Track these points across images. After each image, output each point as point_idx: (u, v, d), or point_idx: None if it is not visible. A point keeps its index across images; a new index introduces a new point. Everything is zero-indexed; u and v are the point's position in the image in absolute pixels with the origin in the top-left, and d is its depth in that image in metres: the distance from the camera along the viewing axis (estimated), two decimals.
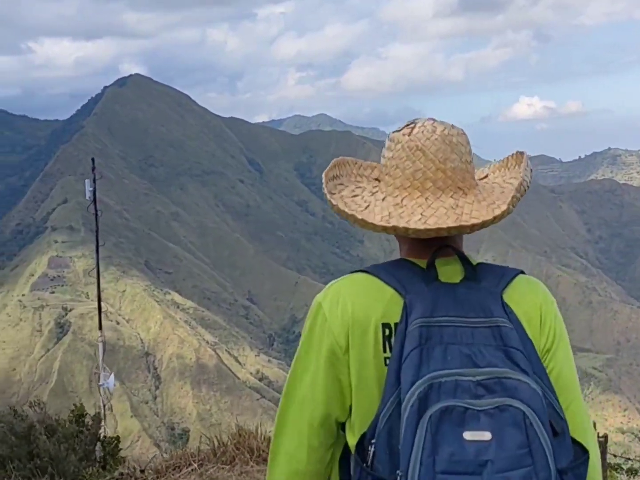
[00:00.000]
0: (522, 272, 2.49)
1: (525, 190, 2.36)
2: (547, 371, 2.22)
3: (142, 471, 8.13)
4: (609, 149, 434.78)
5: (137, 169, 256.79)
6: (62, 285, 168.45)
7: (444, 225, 2.22)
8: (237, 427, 8.72)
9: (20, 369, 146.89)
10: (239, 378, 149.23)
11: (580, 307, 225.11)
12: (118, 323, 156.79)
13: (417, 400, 2.03)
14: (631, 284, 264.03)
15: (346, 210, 2.29)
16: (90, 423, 10.46)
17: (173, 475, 7.78)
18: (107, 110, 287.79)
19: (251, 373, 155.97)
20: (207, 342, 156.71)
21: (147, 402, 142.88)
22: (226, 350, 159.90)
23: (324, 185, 2.38)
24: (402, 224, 2.22)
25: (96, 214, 12.40)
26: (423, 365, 2.10)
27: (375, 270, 2.36)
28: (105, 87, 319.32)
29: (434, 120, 2.40)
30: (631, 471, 9.92)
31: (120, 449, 10.54)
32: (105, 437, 10.38)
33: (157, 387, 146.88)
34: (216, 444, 8.12)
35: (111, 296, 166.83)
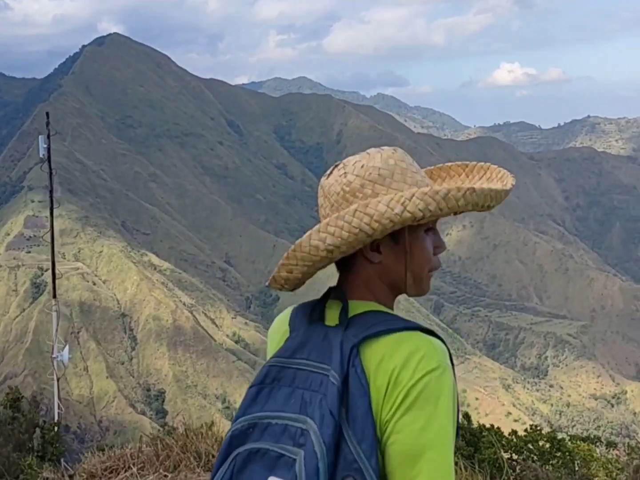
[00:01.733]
0: (414, 329, 2.23)
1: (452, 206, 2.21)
2: (386, 441, 2.10)
3: (70, 477, 7.39)
4: (589, 116, 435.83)
5: (115, 129, 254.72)
6: (38, 245, 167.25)
7: (290, 250, 2.27)
8: (184, 427, 7.60)
9: None
10: (215, 340, 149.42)
11: (557, 274, 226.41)
12: (94, 284, 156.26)
13: (229, 437, 2.16)
14: (607, 251, 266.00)
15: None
16: (27, 408, 9.41)
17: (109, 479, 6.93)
18: (86, 69, 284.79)
19: (228, 335, 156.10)
20: (184, 304, 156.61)
21: (123, 363, 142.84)
22: (203, 312, 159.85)
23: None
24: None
25: (50, 173, 11.45)
26: (256, 404, 2.20)
27: (298, 305, 2.42)
28: (84, 46, 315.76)
29: (337, 164, 2.47)
30: (611, 444, 9.86)
31: (62, 436, 9.49)
32: (45, 422, 9.38)
33: (133, 349, 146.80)
34: (160, 446, 7.11)
35: (88, 257, 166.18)
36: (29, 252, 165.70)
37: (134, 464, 6.87)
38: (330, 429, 2.08)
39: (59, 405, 9.95)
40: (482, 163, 2.66)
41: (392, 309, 2.39)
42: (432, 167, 2.75)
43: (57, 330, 10.82)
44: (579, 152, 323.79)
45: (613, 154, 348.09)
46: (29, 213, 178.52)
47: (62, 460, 8.75)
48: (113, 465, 7.01)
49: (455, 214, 2.28)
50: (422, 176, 2.38)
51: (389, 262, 2.34)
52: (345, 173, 2.36)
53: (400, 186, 2.28)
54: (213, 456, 6.65)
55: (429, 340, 2.22)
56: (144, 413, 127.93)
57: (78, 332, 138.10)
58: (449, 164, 2.74)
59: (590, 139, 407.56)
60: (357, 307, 2.32)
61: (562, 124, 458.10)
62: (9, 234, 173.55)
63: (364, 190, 2.29)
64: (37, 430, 8.91)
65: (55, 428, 9.17)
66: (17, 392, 9.53)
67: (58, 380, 10.32)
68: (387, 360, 2.17)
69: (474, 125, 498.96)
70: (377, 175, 2.31)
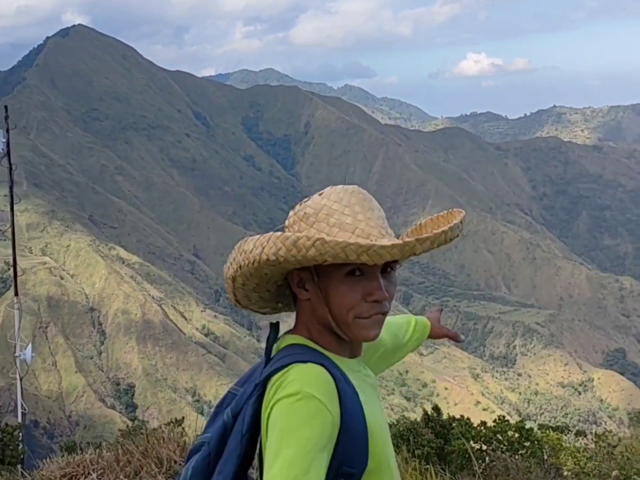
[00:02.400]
0: (305, 362, 2.25)
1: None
2: None
3: None
4: (554, 106, 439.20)
5: (81, 122, 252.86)
6: (4, 240, 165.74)
7: None
8: (145, 432, 7.33)
9: None
10: (184, 333, 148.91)
11: (524, 263, 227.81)
12: (62, 278, 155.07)
13: (189, 451, 2.51)
14: (574, 240, 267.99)
15: None
16: None
17: None
18: (50, 61, 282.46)
19: (197, 328, 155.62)
20: (153, 298, 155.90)
21: (92, 358, 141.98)
22: (172, 305, 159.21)
23: None
24: None
25: (10, 168, 11.16)
26: (209, 425, 2.45)
27: None
28: (48, 38, 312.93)
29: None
30: (580, 433, 9.94)
31: (21, 439, 9.14)
32: (7, 424, 9.01)
33: (102, 343, 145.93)
34: (120, 451, 6.87)
35: (55, 251, 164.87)
36: None
37: (93, 470, 6.70)
38: (201, 457, 2.33)
39: (22, 405, 9.66)
40: (453, 212, 2.50)
41: (330, 346, 2.37)
42: (429, 219, 2.66)
43: (19, 328, 10.50)
44: (545, 142, 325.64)
45: (579, 143, 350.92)
46: None
47: (18, 466, 8.48)
48: (72, 472, 6.81)
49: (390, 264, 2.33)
50: (355, 220, 2.27)
51: (314, 301, 2.33)
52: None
53: (321, 227, 2.26)
54: (175, 462, 6.55)
55: (305, 370, 2.20)
56: (113, 407, 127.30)
57: (46, 327, 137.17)
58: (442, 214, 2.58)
59: (557, 128, 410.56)
60: (286, 341, 2.41)
61: (528, 114, 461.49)
62: None
63: (293, 226, 2.35)
64: None
65: (13, 431, 8.79)
66: None
67: (21, 379, 10.03)
68: (267, 397, 2.23)
69: (441, 116, 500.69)
70: (302, 214, 2.32)
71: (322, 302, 2.30)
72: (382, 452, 2.30)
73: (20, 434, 8.95)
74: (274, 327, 2.41)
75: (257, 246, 2.25)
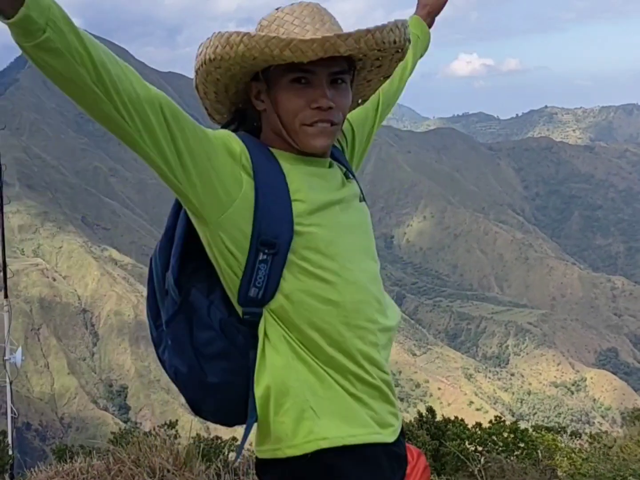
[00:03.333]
0: None
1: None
2: None
3: None
4: (546, 107, 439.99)
5: (74, 123, 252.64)
6: None
7: None
8: (137, 439, 7.23)
9: None
10: None
11: (517, 263, 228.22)
12: (54, 280, 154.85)
13: None
14: (566, 240, 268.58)
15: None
16: None
17: None
18: None
19: None
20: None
21: (84, 359, 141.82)
22: None
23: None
24: None
25: (0, 168, 10.94)
26: None
27: None
28: None
29: None
30: (574, 434, 9.93)
31: (8, 445, 8.98)
32: None
33: (94, 344, 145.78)
34: (111, 459, 6.44)
35: (47, 252, 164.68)
36: None
37: (84, 479, 6.38)
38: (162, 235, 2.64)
39: (12, 409, 9.46)
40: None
41: (274, 143, 2.43)
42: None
43: (9, 331, 10.29)
44: (537, 142, 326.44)
45: (571, 143, 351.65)
46: None
47: (6, 475, 8.33)
48: None
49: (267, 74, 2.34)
50: (302, 30, 2.29)
51: (268, 111, 2.41)
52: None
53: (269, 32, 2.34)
54: (168, 471, 6.19)
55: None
56: (106, 409, 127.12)
57: (38, 329, 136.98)
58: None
59: (548, 129, 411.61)
60: None
61: (520, 114, 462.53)
62: None
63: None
64: None
65: (3, 437, 8.57)
66: None
67: (11, 383, 9.83)
68: None
69: (433, 117, 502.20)
70: (259, 26, 2.41)
71: (274, 110, 2.37)
72: (329, 245, 2.29)
73: (10, 440, 8.79)
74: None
75: (202, 48, 2.32)
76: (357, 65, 2.44)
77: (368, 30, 2.22)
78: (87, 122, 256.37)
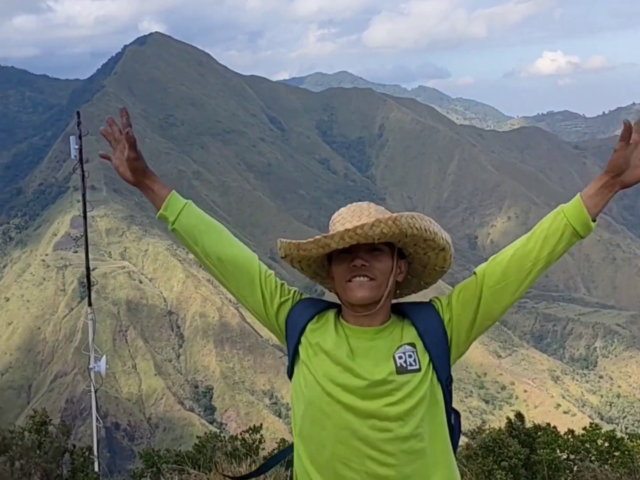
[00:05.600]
0: None
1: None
2: None
3: None
4: (634, 104, 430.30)
5: (158, 128, 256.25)
6: (82, 246, 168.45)
7: None
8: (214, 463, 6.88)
9: (45, 328, 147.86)
10: (261, 336, 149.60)
11: (604, 263, 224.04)
12: (141, 282, 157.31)
13: None
14: None
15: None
16: (54, 432, 8.58)
17: None
18: (128, 69, 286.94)
19: None
20: (230, 301, 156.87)
21: (170, 361, 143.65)
22: None
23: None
24: None
25: (82, 175, 10.89)
26: None
27: None
28: (126, 46, 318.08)
29: None
30: None
31: (93, 462, 8.87)
32: (74, 446, 8.59)
33: (180, 346, 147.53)
34: None
35: (134, 255, 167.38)
36: (76, 251, 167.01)
37: None
38: None
39: (98, 419, 9.30)
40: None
41: (343, 310, 3.39)
42: None
43: (93, 339, 10.17)
44: None
45: None
46: (75, 213, 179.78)
47: None
48: None
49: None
50: (339, 224, 3.32)
51: (334, 282, 3.39)
52: None
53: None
54: None
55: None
56: (192, 410, 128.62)
57: (126, 331, 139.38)
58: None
59: None
60: None
61: (606, 112, 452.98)
62: (55, 234, 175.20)
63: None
64: (67, 455, 8.24)
65: (85, 453, 8.48)
66: (43, 415, 8.76)
67: (95, 392, 9.68)
68: None
69: (517, 116, 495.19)
70: (329, 223, 3.46)
71: (333, 280, 3.37)
72: (310, 393, 3.27)
73: (95, 450, 8.61)
74: None
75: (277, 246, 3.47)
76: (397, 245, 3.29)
77: (347, 230, 3.15)
78: (171, 127, 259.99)
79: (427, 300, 3.43)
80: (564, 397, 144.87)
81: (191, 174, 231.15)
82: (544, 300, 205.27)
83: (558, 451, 8.30)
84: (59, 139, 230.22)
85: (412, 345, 3.22)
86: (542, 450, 7.96)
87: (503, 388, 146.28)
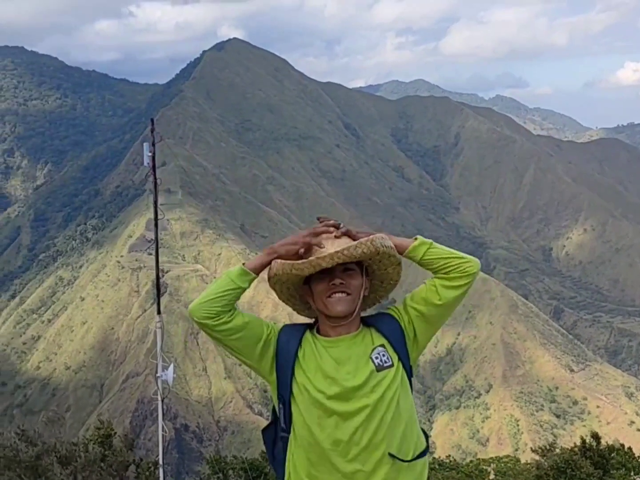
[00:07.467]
0: None
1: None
2: None
3: None
4: None
5: (235, 132, 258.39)
6: (160, 247, 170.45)
7: None
8: None
9: (119, 329, 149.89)
10: None
11: None
12: None
13: None
14: None
15: None
16: (119, 446, 8.55)
17: None
18: (206, 74, 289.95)
19: None
20: None
21: (240, 364, 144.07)
22: None
23: None
24: None
25: (155, 183, 10.71)
26: None
27: None
28: (204, 52, 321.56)
29: None
30: None
31: (158, 477, 8.54)
32: (141, 460, 8.42)
33: None
34: None
35: (207, 259, 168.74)
36: (150, 254, 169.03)
37: None
38: None
39: (163, 427, 9.09)
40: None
41: (321, 326, 4.03)
42: None
43: (161, 347, 9.99)
44: None
45: None
46: (150, 216, 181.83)
47: None
48: None
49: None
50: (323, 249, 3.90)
51: (314, 301, 4.00)
52: None
53: None
54: None
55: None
56: (260, 414, 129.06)
57: (197, 334, 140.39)
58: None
59: None
60: None
61: None
62: (131, 236, 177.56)
63: None
64: (132, 467, 8.06)
65: (152, 467, 8.21)
66: (109, 427, 8.76)
67: (162, 400, 9.47)
68: None
69: (596, 127, 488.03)
70: None
71: (313, 299, 3.97)
72: (305, 409, 4.02)
73: (160, 459, 8.41)
74: None
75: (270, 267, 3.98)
76: (364, 263, 3.92)
77: (336, 251, 3.73)
78: (247, 132, 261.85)
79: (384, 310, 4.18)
80: (638, 414, 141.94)
81: (266, 178, 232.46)
82: (619, 315, 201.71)
83: (632, 473, 8.07)
84: (136, 142, 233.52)
85: (383, 346, 3.93)
86: (615, 472, 7.74)
87: (575, 403, 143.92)
